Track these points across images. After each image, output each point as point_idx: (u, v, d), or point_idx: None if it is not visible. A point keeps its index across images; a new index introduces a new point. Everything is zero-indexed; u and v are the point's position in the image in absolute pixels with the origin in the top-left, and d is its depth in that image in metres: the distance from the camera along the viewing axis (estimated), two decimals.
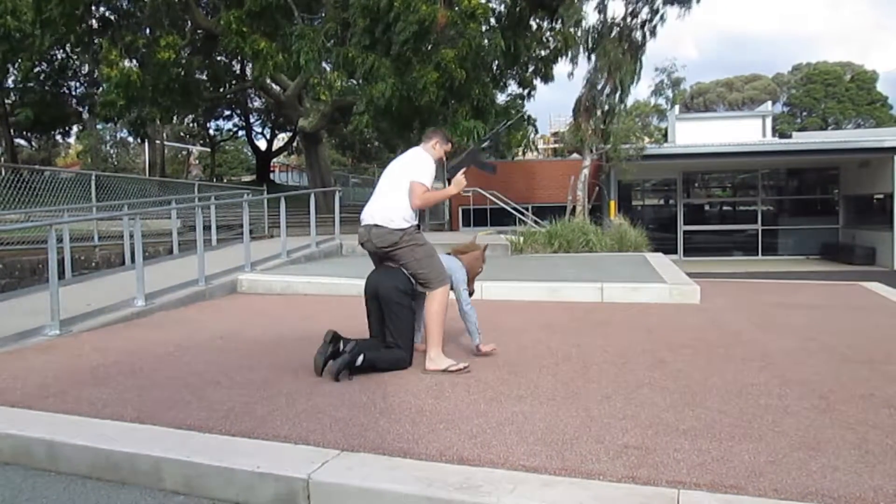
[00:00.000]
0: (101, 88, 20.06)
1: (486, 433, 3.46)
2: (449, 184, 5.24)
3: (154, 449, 3.28)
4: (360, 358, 4.54)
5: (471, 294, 5.32)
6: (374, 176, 37.39)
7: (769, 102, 26.94)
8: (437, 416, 3.72)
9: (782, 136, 26.17)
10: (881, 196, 20.74)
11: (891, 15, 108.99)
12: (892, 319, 6.80)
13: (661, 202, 24.59)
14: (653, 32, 17.32)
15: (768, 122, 23.27)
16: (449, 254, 5.40)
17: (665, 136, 23.83)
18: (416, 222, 4.88)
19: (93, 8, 17.40)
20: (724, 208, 24.64)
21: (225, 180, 38.38)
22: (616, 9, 17.98)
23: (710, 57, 53.86)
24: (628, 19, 17.22)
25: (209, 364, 4.97)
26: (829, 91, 52.64)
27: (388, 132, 17.08)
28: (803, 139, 22.76)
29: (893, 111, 51.21)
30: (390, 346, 4.78)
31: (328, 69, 15.73)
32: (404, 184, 4.79)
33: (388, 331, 4.79)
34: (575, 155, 20.04)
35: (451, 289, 5.00)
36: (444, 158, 5.19)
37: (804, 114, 54.05)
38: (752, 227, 22.78)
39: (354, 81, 15.44)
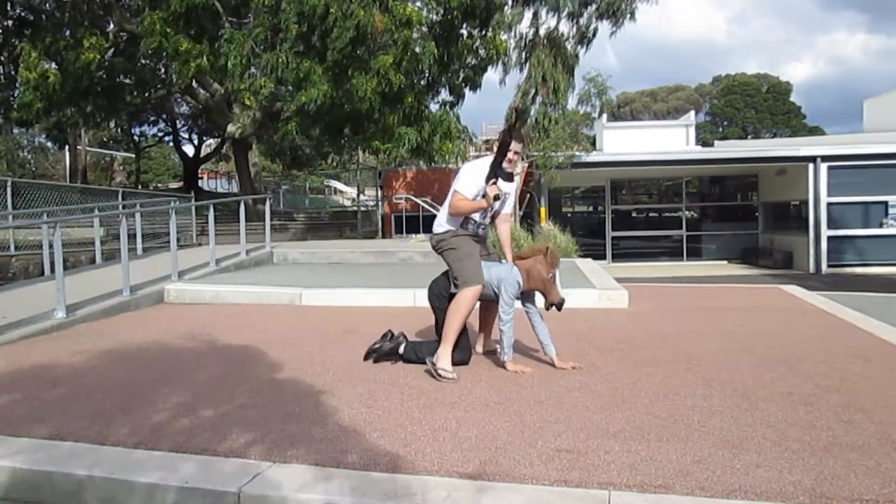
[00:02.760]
0: (16, 91, 19.26)
1: (420, 440, 3.45)
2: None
3: (75, 467, 3.16)
4: (403, 346, 5.11)
5: (549, 307, 5.04)
6: (306, 183, 37.09)
7: (692, 112, 27.76)
8: (371, 425, 3.70)
9: (705, 144, 27.02)
10: (797, 203, 21.63)
11: (798, 30, 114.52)
12: (808, 320, 7.08)
13: (591, 209, 25.04)
14: (588, 43, 17.78)
15: (692, 131, 23.97)
16: (501, 260, 5.22)
17: (593, 144, 24.31)
18: (454, 227, 4.98)
19: (8, 8, 16.71)
20: (651, 214, 25.27)
21: (151, 187, 37.34)
22: (550, 21, 18.39)
23: (631, 67, 55.67)
24: (562, 31, 17.62)
25: (134, 377, 4.81)
26: (747, 101, 54.82)
27: (320, 139, 16.91)
28: (724, 148, 23.55)
29: (807, 121, 53.61)
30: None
31: (257, 74, 15.48)
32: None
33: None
34: None
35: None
36: (513, 157, 4.93)
37: (725, 123, 56.10)
38: (677, 233, 23.42)
39: (283, 87, 15.23)
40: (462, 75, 18.13)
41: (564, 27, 17.82)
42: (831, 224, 20.34)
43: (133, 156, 39.26)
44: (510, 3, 17.82)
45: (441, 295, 5.06)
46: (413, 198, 20.18)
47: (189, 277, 9.55)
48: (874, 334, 6.22)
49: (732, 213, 24.69)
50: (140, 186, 35.42)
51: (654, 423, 3.70)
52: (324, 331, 6.58)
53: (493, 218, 5.19)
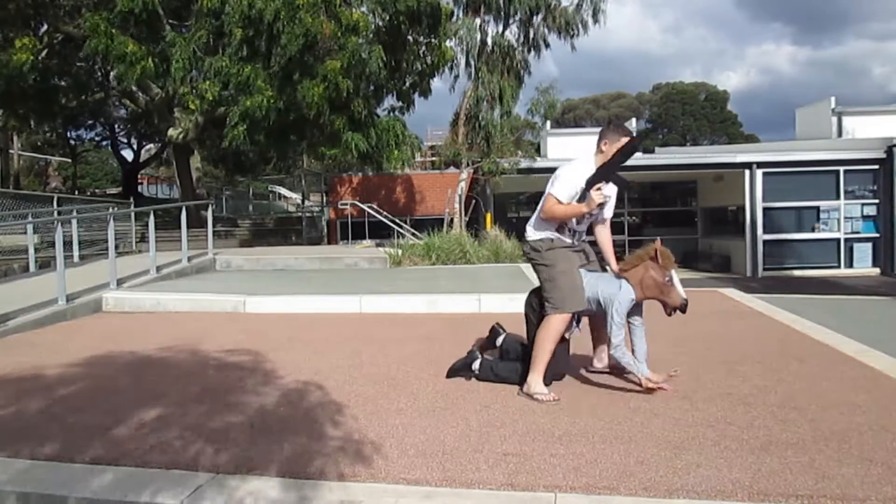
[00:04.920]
0: None
1: (367, 448, 3.43)
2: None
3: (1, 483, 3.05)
4: (477, 363, 4.73)
5: (670, 312, 4.54)
6: (250, 189, 36.55)
7: (633, 119, 28.36)
8: (316, 433, 3.66)
9: (646, 151, 27.55)
10: (734, 208, 22.27)
11: (729, 41, 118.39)
12: (745, 323, 7.27)
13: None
14: (538, 52, 18.01)
15: None
16: (604, 270, 4.67)
17: (538, 150, 24.58)
18: (549, 234, 4.46)
19: None
20: None
21: (88, 193, 36.23)
22: (498, 29, 18.57)
23: (571, 74, 56.83)
24: (510, 40, 17.80)
25: (68, 389, 4.66)
26: (686, 109, 56.23)
27: (265, 145, 16.70)
28: (665, 154, 24.10)
29: (743, 129, 55.24)
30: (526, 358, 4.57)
31: (200, 78, 15.20)
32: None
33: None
34: (452, 168, 20.33)
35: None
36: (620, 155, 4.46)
37: (665, 130, 57.41)
38: (619, 238, 23.76)
39: (228, 93, 15.00)
40: (409, 81, 18.13)
41: (511, 36, 18.03)
42: (767, 228, 20.99)
43: (69, 160, 38.13)
44: (460, 12, 17.94)
45: (534, 308, 4.64)
46: (359, 203, 20.08)
47: (128, 285, 9.31)
48: (808, 335, 6.42)
49: (673, 218, 25.27)
50: (77, 192, 34.35)
51: (599, 426, 3.76)
52: (269, 338, 6.48)
53: (592, 223, 4.70)
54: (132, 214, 15.70)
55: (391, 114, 17.89)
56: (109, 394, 4.52)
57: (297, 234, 22.91)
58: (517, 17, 17.64)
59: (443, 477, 3.07)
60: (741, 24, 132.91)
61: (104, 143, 38.14)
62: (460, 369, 4.80)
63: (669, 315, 4.56)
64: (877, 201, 20.53)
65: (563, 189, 4.34)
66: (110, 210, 14.62)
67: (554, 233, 4.45)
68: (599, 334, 4.77)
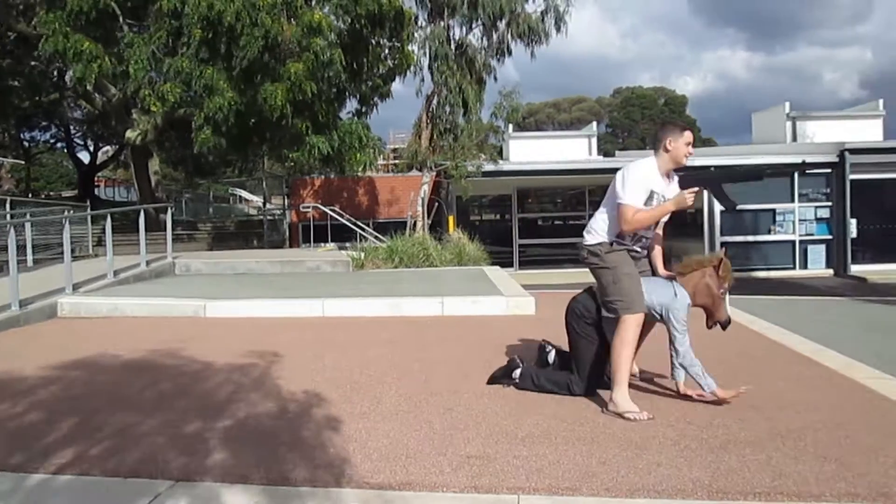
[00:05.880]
0: None
1: (329, 452, 3.41)
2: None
3: None
4: (517, 372, 4.56)
5: (711, 325, 4.47)
6: (209, 191, 36.07)
7: (594, 123, 28.64)
8: (278, 439, 3.63)
9: (606, 154, 27.85)
10: (693, 211, 22.62)
11: (686, 46, 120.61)
12: (703, 323, 7.38)
13: (498, 217, 25.38)
14: (502, 57, 18.10)
15: (594, 141, 24.68)
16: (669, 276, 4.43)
17: (500, 153, 24.70)
18: (608, 238, 4.29)
19: None
20: (556, 222, 25.82)
21: (43, 195, 35.41)
22: (461, 33, 18.66)
23: (531, 78, 57.37)
24: (473, 44, 17.85)
25: (19, 397, 4.54)
26: (645, 113, 57.06)
27: (227, 147, 16.50)
28: (625, 158, 24.34)
29: (701, 133, 56.13)
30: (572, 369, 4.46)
31: (160, 80, 14.96)
32: (609, 200, 4.34)
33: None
34: (415, 171, 20.32)
35: (664, 322, 4.26)
36: (686, 155, 4.28)
37: (625, 134, 58.15)
38: (581, 241, 24.02)
39: (189, 95, 14.78)
40: (372, 84, 18.08)
41: (475, 40, 18.09)
42: (725, 231, 21.36)
43: (22, 162, 37.22)
44: (425, 15, 17.94)
45: (583, 315, 4.40)
46: (321, 207, 19.95)
47: (85, 290, 9.12)
48: (765, 335, 6.56)
49: None
50: (31, 195, 33.55)
51: (561, 427, 3.78)
52: (230, 343, 6.40)
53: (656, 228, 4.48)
54: (89, 218, 15.36)
55: (354, 117, 17.82)
56: (65, 401, 4.42)
57: (258, 237, 22.68)
58: (481, 23, 17.70)
59: (406, 481, 3.06)
60: (697, 29, 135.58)
61: (59, 144, 37.32)
62: (501, 377, 4.69)
63: (709, 328, 4.50)
64: (829, 204, 21.01)
65: (637, 196, 4.16)
66: (66, 213, 14.30)
67: (615, 237, 4.29)
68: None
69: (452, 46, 17.82)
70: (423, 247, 13.45)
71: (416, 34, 17.63)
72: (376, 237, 16.68)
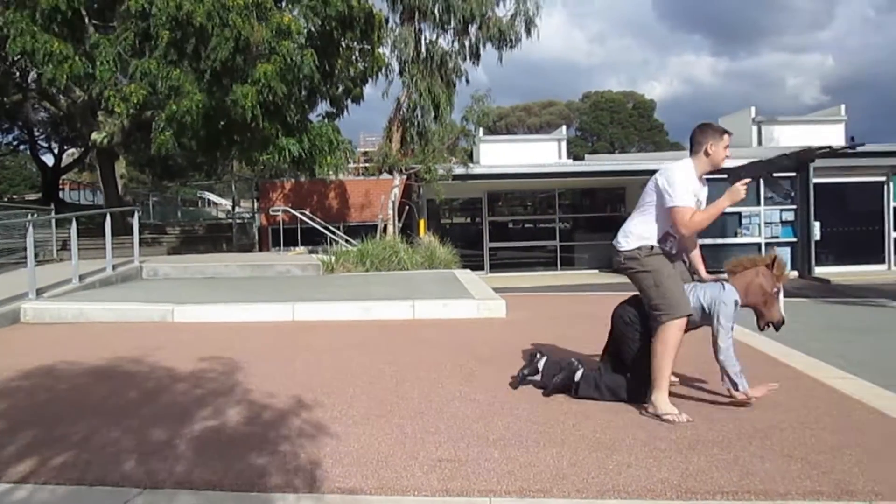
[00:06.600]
0: None
1: (301, 457, 3.38)
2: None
3: None
4: (579, 374, 4.38)
5: (764, 326, 4.39)
6: (177, 195, 35.66)
7: (564, 127, 28.82)
8: (248, 444, 3.59)
9: (576, 158, 28.07)
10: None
11: (652, 51, 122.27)
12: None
13: (468, 220, 25.45)
14: (475, 60, 18.16)
15: (563, 145, 24.83)
16: (719, 278, 4.37)
17: (470, 156, 24.77)
18: (646, 243, 4.22)
19: None
20: (526, 225, 25.94)
21: (6, 199, 34.72)
22: (433, 37, 18.74)
23: (500, 81, 57.55)
24: (444, 48, 17.89)
25: None
26: (614, 117, 57.56)
27: (195, 150, 16.30)
28: (594, 161, 24.58)
29: (669, 137, 56.89)
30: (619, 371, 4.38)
31: (125, 81, 14.75)
32: (645, 204, 4.29)
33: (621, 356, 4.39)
34: (385, 175, 20.28)
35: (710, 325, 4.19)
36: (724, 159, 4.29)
37: (594, 138, 58.59)
38: (551, 243, 24.13)
39: (155, 96, 14.59)
40: (342, 87, 18.01)
41: (446, 44, 18.13)
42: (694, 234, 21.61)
43: None
44: (397, 18, 17.96)
45: (630, 322, 4.33)
46: (291, 210, 19.82)
47: (49, 295, 8.95)
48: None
49: (602, 224, 25.69)
50: None
51: (532, 430, 3.80)
52: (199, 348, 6.33)
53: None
54: (53, 221, 15.10)
55: (324, 119, 17.73)
56: (27, 409, 4.33)
57: (227, 241, 22.46)
58: (452, 26, 17.75)
59: (378, 485, 3.05)
60: (663, 34, 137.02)
61: (22, 147, 36.59)
62: (529, 375, 4.61)
63: (762, 329, 4.45)
64: (794, 207, 21.38)
65: (686, 198, 4.11)
66: (29, 217, 14.04)
67: (653, 241, 4.24)
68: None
69: (423, 49, 17.84)
70: (394, 250, 13.42)
71: (387, 37, 17.61)
72: (347, 241, 16.61)
